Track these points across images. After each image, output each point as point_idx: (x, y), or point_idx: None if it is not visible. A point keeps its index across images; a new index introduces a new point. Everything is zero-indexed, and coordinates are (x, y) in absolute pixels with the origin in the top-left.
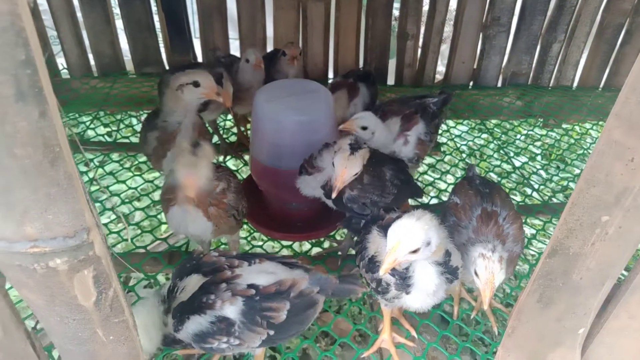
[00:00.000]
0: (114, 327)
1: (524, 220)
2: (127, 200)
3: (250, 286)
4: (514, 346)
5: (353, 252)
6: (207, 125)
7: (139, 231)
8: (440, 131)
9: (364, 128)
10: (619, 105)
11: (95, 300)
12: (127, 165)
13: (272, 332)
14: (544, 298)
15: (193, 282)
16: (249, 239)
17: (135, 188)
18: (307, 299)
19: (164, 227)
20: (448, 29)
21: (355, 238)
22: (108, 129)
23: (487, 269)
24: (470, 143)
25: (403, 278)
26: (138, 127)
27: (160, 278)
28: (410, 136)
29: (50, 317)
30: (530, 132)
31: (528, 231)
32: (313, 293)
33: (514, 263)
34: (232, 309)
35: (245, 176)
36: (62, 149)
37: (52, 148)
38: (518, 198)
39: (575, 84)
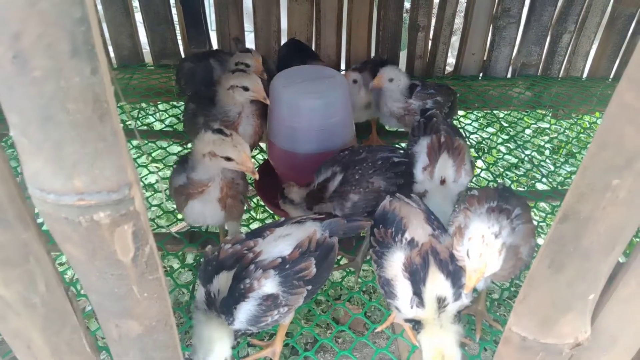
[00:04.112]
0: (149, 284)
1: (533, 205)
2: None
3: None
4: (526, 312)
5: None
6: None
7: (160, 212)
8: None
9: (391, 80)
10: (632, 68)
11: (132, 256)
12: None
13: (309, 287)
14: (555, 263)
15: (224, 280)
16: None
17: (155, 172)
18: (325, 245)
19: None
20: (458, 21)
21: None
22: (127, 119)
23: (482, 257)
24: (480, 133)
25: None
26: (157, 116)
27: (175, 265)
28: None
29: (90, 273)
30: (539, 123)
31: (537, 216)
32: (327, 239)
33: (518, 266)
34: (269, 283)
35: (260, 162)
36: (109, 105)
37: (101, 104)
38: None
39: (585, 75)
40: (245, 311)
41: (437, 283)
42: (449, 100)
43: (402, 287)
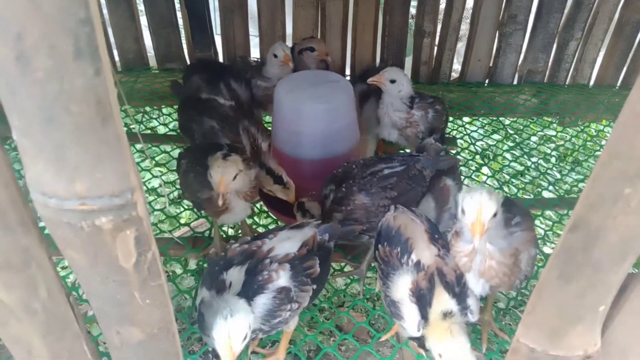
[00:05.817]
0: (151, 291)
1: (540, 213)
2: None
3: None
4: (535, 323)
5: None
6: None
7: (163, 217)
8: (456, 126)
9: (393, 81)
10: None
11: (135, 262)
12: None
13: (314, 286)
14: (565, 274)
15: (235, 275)
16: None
17: (159, 176)
18: (324, 248)
19: (186, 213)
20: (464, 27)
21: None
22: (131, 122)
23: (475, 199)
24: (486, 140)
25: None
26: (161, 120)
27: (178, 270)
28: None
29: (91, 278)
30: (545, 130)
31: (544, 225)
32: (326, 242)
33: (516, 273)
34: (284, 276)
35: None
36: (112, 108)
37: (104, 106)
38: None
39: (592, 82)
40: (261, 305)
41: (442, 301)
42: (445, 109)
43: (409, 311)
